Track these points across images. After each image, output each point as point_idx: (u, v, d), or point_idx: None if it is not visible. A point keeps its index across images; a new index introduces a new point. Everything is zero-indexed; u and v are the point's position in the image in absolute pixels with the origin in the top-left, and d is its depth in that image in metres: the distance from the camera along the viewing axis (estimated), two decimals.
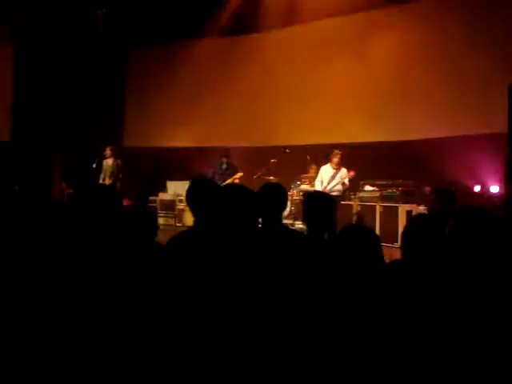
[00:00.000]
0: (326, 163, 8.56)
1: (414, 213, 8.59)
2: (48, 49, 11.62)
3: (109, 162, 9.96)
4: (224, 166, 9.72)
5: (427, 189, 9.04)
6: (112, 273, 2.24)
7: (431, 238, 2.31)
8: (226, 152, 9.97)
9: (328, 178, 8.40)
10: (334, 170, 8.37)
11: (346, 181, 8.38)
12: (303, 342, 2.05)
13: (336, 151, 8.46)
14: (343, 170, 8.39)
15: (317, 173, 10.59)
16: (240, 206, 2.41)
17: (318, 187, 8.51)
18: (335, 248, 2.31)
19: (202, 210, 2.67)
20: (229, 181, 9.31)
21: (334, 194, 8.12)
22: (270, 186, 3.16)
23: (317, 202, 3.17)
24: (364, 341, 2.02)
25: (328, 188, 8.28)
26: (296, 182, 10.39)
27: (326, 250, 2.49)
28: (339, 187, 8.35)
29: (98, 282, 2.21)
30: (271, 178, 9.67)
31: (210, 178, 9.48)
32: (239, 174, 9.52)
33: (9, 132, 11.45)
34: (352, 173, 8.31)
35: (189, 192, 2.79)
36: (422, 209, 8.67)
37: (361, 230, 2.39)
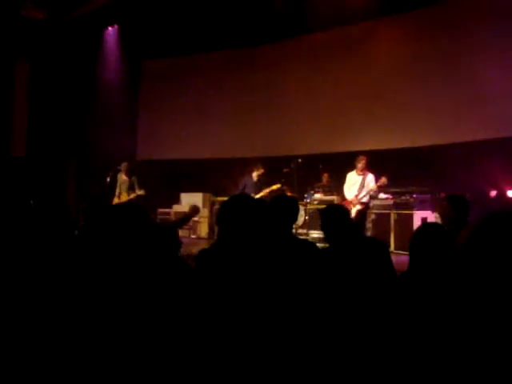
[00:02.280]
0: (350, 170, 8.49)
1: (429, 220, 8.54)
2: (61, 65, 11.76)
3: (124, 178, 9.99)
4: (255, 179, 9.71)
5: (442, 195, 8.98)
6: (141, 290, 2.24)
7: (439, 247, 2.28)
8: (256, 164, 9.92)
9: (357, 185, 8.32)
10: (361, 177, 8.28)
11: (373, 186, 8.24)
12: (313, 344, 2.04)
13: (360, 157, 8.39)
14: (370, 176, 8.28)
15: (329, 181, 10.60)
16: (255, 219, 2.40)
17: (347, 194, 8.45)
18: (350, 258, 2.30)
19: (231, 225, 2.61)
20: (265, 192, 9.26)
21: (364, 200, 8.21)
22: (281, 198, 3.16)
23: (333, 214, 3.16)
24: (372, 349, 2.01)
25: (360, 197, 8.25)
26: (310, 192, 10.37)
27: (344, 260, 2.48)
28: (367, 195, 8.28)
29: (127, 301, 2.21)
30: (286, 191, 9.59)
31: (241, 191, 9.54)
32: (276, 186, 9.38)
33: (24, 147, 11.57)
34: (384, 179, 8.20)
35: (225, 208, 2.70)
36: (436, 216, 8.61)
37: (372, 241, 2.37)
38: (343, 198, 8.67)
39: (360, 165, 8.29)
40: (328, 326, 2.09)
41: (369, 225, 8.92)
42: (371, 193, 8.30)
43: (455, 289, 2.13)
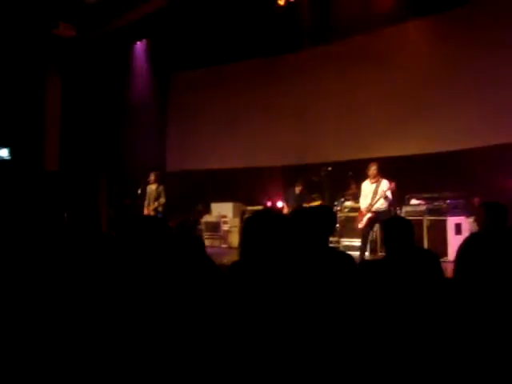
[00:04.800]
0: (366, 179, 8.39)
1: (463, 225, 8.37)
2: (92, 79, 11.98)
3: (152, 188, 10.10)
4: (297, 192, 9.71)
5: (476, 200, 8.80)
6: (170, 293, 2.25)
7: (486, 258, 2.21)
8: (300, 179, 9.93)
9: (370, 193, 8.15)
10: (374, 184, 8.08)
11: (389, 194, 8.00)
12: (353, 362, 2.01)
13: (370, 164, 8.22)
14: (384, 182, 8.03)
15: (358, 188, 10.48)
16: (279, 234, 2.37)
17: (362, 204, 8.35)
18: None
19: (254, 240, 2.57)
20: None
21: (381, 210, 7.99)
22: (320, 208, 3.12)
23: (395, 227, 3.11)
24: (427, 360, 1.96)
25: (374, 205, 8.09)
26: (340, 199, 10.28)
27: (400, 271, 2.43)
28: (384, 203, 8.03)
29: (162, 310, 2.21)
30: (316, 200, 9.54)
31: (285, 203, 9.57)
32: (316, 203, 9.27)
33: (56, 161, 11.79)
34: (392, 185, 8.02)
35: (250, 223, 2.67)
36: (471, 221, 8.43)
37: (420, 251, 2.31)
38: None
39: (371, 172, 8.10)
40: (377, 339, 2.05)
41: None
42: (384, 198, 8.02)
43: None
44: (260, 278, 2.22)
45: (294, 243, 2.40)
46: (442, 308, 2.16)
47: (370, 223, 8.12)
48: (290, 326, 2.07)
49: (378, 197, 7.97)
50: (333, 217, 2.98)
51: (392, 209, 8.84)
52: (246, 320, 2.10)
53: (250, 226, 2.38)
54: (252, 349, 2.04)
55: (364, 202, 8.22)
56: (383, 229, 3.19)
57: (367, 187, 8.21)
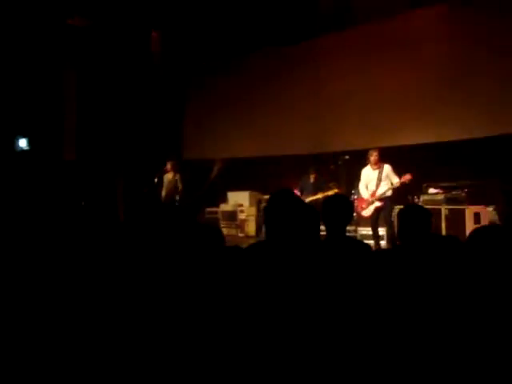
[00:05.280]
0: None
1: (482, 215, 8.27)
2: (108, 68, 12.01)
3: (169, 177, 10.15)
4: (312, 180, 9.71)
5: (495, 189, 8.69)
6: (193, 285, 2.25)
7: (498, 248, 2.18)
8: (314, 167, 9.92)
9: (373, 180, 8.12)
10: (377, 171, 8.07)
11: (397, 182, 7.98)
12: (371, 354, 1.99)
13: (371, 151, 8.23)
14: (386, 168, 8.05)
15: None
16: (299, 219, 2.36)
17: (363, 193, 8.29)
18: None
19: (276, 222, 2.57)
20: (319, 196, 9.20)
21: (386, 196, 7.98)
22: (335, 197, 3.10)
23: (412, 216, 3.05)
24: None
25: (378, 193, 8.04)
26: (357, 188, 10.21)
27: (415, 263, 2.41)
28: (389, 188, 8.02)
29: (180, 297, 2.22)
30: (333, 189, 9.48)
31: (299, 191, 9.57)
32: (332, 192, 9.23)
33: (74, 151, 11.87)
34: (408, 176, 7.96)
35: (269, 204, 2.67)
36: (490, 210, 8.34)
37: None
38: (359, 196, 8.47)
39: (372, 158, 8.10)
40: (394, 327, 2.04)
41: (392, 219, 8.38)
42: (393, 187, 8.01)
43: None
44: (279, 263, 2.22)
45: (312, 229, 2.39)
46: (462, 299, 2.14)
47: (377, 211, 8.08)
48: (306, 313, 2.06)
49: (383, 183, 7.95)
50: (350, 206, 2.94)
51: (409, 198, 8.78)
52: (262, 307, 2.09)
53: (273, 203, 2.38)
54: (271, 334, 2.04)
55: (366, 191, 8.19)
56: (398, 217, 3.12)
57: (369, 174, 8.19)
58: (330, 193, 9.01)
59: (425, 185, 9.29)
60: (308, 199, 9.13)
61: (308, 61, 12.00)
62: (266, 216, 2.54)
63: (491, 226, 2.92)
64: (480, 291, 2.12)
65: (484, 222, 8.02)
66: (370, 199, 8.12)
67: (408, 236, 3.00)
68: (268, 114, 12.37)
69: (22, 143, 11.30)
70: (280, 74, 12.34)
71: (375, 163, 8.10)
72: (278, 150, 12.19)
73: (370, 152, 8.21)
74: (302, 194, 9.69)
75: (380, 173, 8.03)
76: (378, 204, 8.03)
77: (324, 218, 2.66)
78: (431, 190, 9.19)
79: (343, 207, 2.85)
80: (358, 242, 3.23)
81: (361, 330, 2.04)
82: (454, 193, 8.76)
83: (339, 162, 9.75)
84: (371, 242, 7.77)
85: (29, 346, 2.21)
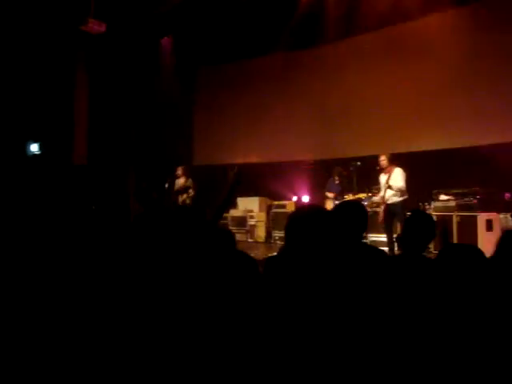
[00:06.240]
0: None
1: (494, 222, 8.21)
2: (119, 74, 12.06)
3: (181, 181, 10.17)
4: (337, 182, 9.80)
5: (507, 195, 8.63)
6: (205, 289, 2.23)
7: None
8: (338, 169, 9.98)
9: (383, 185, 8.12)
10: (387, 175, 8.04)
11: (400, 184, 7.91)
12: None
13: (379, 156, 8.25)
14: (395, 172, 8.00)
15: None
16: (324, 231, 2.33)
17: (378, 198, 8.34)
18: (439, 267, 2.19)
19: (299, 236, 2.51)
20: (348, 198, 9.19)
21: (392, 202, 7.93)
22: (350, 204, 3.06)
23: (416, 222, 3.02)
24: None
25: (386, 197, 8.00)
26: (368, 194, 10.18)
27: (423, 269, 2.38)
28: (395, 194, 7.96)
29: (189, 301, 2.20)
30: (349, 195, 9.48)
31: (328, 192, 9.63)
32: (360, 196, 9.22)
33: (85, 156, 11.92)
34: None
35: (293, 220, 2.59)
36: (502, 217, 8.27)
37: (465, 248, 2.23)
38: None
39: (381, 163, 8.13)
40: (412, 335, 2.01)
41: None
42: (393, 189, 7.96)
43: None
44: (298, 274, 2.19)
45: (333, 239, 2.36)
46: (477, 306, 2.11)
47: (387, 216, 8.01)
48: (324, 323, 2.04)
49: (394, 188, 7.90)
50: (365, 212, 2.91)
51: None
52: (280, 316, 2.07)
53: (294, 223, 2.35)
54: (286, 343, 2.02)
55: (379, 195, 8.28)
56: (403, 223, 3.10)
57: (382, 179, 8.22)
58: (360, 196, 9.07)
59: (435, 191, 9.23)
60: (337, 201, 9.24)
61: (318, 67, 12.00)
62: (290, 231, 2.49)
63: None
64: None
65: (496, 228, 7.96)
66: (380, 204, 8.12)
67: (410, 242, 2.97)
68: (278, 120, 12.37)
69: (34, 148, 11.36)
70: (289, 79, 12.36)
71: (384, 168, 8.09)
72: (287, 156, 12.18)
73: (380, 157, 8.20)
74: (330, 193, 9.76)
75: (389, 178, 8.00)
76: (383, 207, 7.99)
77: (341, 224, 2.62)
78: (442, 197, 9.13)
79: (360, 213, 2.82)
80: (372, 249, 3.19)
81: (378, 336, 2.02)
82: (465, 199, 8.70)
83: (351, 168, 9.72)
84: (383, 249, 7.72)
85: (31, 345, 2.21)
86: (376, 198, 8.34)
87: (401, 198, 7.98)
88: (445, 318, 2.04)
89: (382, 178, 8.18)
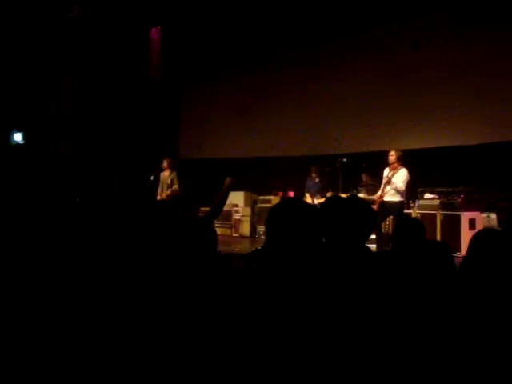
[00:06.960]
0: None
1: (477, 221, 8.28)
2: (105, 64, 11.96)
3: (165, 175, 10.10)
4: (316, 180, 9.78)
5: (501, 204, 8.65)
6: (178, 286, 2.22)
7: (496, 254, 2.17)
8: (315, 167, 9.97)
9: (384, 180, 7.95)
10: (391, 172, 7.87)
11: (399, 184, 7.74)
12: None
13: (390, 150, 8.05)
14: (401, 171, 7.79)
15: (370, 180, 10.32)
16: (306, 224, 2.31)
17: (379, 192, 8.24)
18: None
19: (280, 229, 2.48)
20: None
21: (390, 201, 7.78)
22: (358, 201, 3.00)
23: (405, 226, 3.05)
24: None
25: (384, 191, 7.87)
26: (353, 191, 10.20)
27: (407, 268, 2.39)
28: (394, 194, 7.78)
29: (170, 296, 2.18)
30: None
31: (307, 192, 9.59)
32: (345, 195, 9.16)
33: (69, 146, 11.81)
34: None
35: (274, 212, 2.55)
36: (485, 216, 8.34)
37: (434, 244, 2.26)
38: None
39: (389, 158, 7.90)
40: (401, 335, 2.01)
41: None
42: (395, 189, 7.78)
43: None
44: (279, 267, 2.18)
45: (323, 235, 2.35)
46: (450, 303, 2.12)
47: (380, 214, 7.77)
48: (306, 317, 2.03)
49: (389, 186, 7.80)
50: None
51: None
52: (262, 310, 2.06)
53: (274, 216, 2.33)
54: (267, 344, 2.00)
55: (380, 191, 8.01)
56: (394, 227, 3.14)
57: (385, 173, 8.02)
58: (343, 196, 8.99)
59: (420, 189, 9.27)
60: (317, 201, 9.19)
61: (308, 63, 11.99)
62: (270, 224, 2.46)
63: (491, 229, 2.91)
64: (479, 294, 2.11)
65: (479, 227, 8.02)
66: (377, 198, 7.93)
67: (401, 241, 2.99)
68: (265, 115, 12.35)
69: (17, 137, 11.25)
70: (279, 75, 12.34)
71: (391, 163, 7.91)
72: (274, 151, 12.17)
73: (389, 152, 8.01)
74: (309, 194, 9.75)
75: (393, 175, 7.82)
76: (379, 205, 7.79)
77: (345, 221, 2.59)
78: (427, 196, 9.18)
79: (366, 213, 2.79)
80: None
81: (365, 335, 2.01)
82: (449, 198, 8.75)
83: (336, 165, 9.70)
84: (371, 246, 7.63)
85: (29, 344, 2.18)
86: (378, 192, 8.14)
87: (399, 199, 7.82)
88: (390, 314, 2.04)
89: (386, 171, 8.00)
